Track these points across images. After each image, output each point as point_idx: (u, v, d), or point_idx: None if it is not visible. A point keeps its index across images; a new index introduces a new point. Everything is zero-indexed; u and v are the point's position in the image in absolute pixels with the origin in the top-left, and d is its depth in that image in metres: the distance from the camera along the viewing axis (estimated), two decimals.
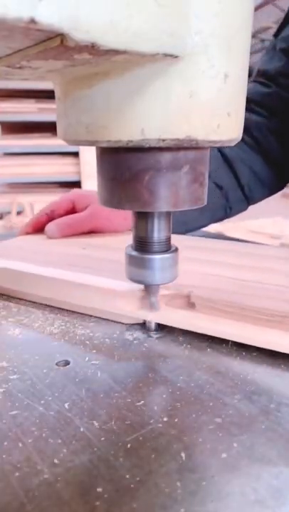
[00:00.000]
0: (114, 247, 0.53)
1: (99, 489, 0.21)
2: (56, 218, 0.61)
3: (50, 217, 0.62)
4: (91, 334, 0.36)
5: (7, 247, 0.54)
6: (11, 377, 0.30)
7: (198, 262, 0.46)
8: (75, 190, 0.66)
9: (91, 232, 0.61)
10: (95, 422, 0.25)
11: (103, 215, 0.61)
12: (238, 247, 0.54)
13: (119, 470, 0.22)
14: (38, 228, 0.62)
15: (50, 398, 0.28)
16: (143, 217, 0.33)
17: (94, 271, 0.42)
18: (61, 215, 0.62)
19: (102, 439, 0.24)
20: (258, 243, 0.59)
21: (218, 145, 0.28)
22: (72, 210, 0.63)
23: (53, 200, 0.64)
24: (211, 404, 0.27)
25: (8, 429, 0.25)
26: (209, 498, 0.20)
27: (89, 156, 2.73)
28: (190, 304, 0.36)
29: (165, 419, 0.26)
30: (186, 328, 0.35)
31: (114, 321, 0.38)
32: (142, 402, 0.27)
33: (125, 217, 0.62)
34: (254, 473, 0.22)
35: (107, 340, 0.35)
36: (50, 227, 0.59)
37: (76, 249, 0.53)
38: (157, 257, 0.33)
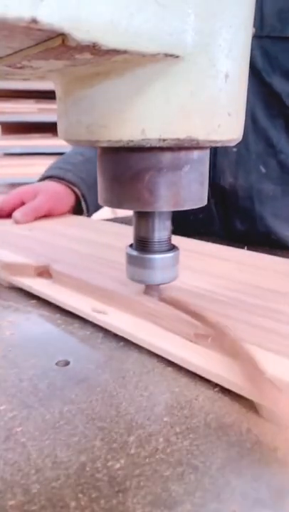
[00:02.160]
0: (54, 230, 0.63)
1: (99, 489, 0.21)
2: (5, 214, 0.69)
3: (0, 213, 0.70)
4: (91, 334, 0.36)
5: None
6: (11, 377, 0.30)
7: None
8: (21, 187, 0.74)
9: (47, 214, 0.70)
10: (95, 422, 0.25)
11: (54, 197, 0.72)
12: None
13: (119, 470, 0.22)
14: None
15: (50, 398, 0.28)
16: (143, 217, 0.33)
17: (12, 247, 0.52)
18: (10, 211, 0.69)
19: (103, 439, 0.24)
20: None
21: (218, 145, 0.28)
22: (21, 204, 0.70)
23: (3, 198, 0.72)
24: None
25: (8, 430, 0.25)
26: (209, 498, 0.20)
27: None
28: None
29: (165, 419, 0.26)
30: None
31: None
32: (142, 402, 0.27)
33: (68, 199, 0.74)
34: (254, 473, 0.22)
35: (107, 340, 0.35)
36: (15, 215, 0.66)
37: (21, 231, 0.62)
38: (158, 256, 0.33)
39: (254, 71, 0.63)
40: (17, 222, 0.66)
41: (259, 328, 0.31)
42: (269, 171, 0.67)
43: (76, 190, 0.75)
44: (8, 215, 0.69)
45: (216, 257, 0.50)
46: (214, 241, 0.57)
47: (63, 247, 0.53)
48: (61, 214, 0.73)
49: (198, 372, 0.29)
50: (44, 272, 0.45)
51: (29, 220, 0.67)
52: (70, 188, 0.75)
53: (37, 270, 0.45)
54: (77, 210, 0.77)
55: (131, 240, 0.35)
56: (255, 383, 0.26)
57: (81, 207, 0.77)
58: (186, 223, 0.71)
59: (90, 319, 0.37)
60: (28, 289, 0.43)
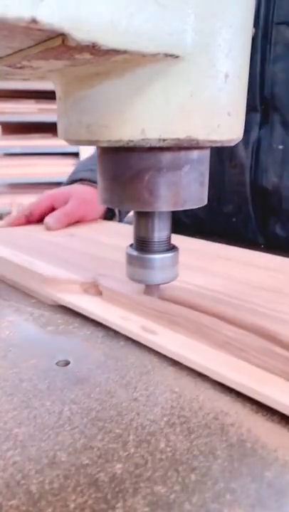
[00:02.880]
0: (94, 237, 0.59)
1: (99, 490, 0.21)
2: (35, 218, 0.66)
3: (28, 219, 0.66)
4: (91, 334, 0.36)
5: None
6: (11, 377, 0.30)
7: None
8: (51, 191, 0.70)
9: (79, 220, 0.66)
10: (95, 422, 0.25)
11: (86, 202, 0.67)
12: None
13: (119, 470, 0.22)
14: None
15: (50, 398, 0.28)
16: (143, 217, 0.33)
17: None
18: (40, 216, 0.65)
19: (103, 439, 0.24)
20: None
21: (218, 145, 0.28)
22: (51, 210, 0.66)
23: (31, 202, 0.68)
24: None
25: (8, 430, 0.25)
26: (210, 498, 0.20)
27: None
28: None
29: (165, 419, 0.26)
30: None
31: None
32: (142, 402, 0.27)
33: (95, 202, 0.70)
34: (255, 473, 0.22)
35: (107, 339, 0.35)
36: (47, 220, 0.62)
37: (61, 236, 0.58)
38: (158, 256, 0.33)
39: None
40: (49, 228, 0.62)
41: None
42: None
43: None
44: (38, 220, 0.66)
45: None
46: (250, 248, 0.53)
47: (108, 259, 0.48)
48: (93, 220, 0.69)
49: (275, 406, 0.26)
50: (90, 288, 0.40)
51: (62, 226, 0.63)
52: None
53: (83, 286, 0.40)
54: (106, 214, 0.73)
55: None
56: None
57: (111, 211, 0.73)
58: (216, 228, 0.67)
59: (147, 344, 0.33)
60: (73, 308, 0.39)
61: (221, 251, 0.53)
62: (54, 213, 0.64)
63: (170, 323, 0.34)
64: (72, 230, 0.63)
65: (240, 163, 0.66)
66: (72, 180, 0.74)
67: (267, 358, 0.28)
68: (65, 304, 0.39)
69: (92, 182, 0.70)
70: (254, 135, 0.64)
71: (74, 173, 0.76)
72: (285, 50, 0.60)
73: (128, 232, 0.57)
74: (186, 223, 0.76)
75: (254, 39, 0.59)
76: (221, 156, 0.67)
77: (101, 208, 0.70)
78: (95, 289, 0.40)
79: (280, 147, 0.62)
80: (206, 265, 0.47)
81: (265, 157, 0.63)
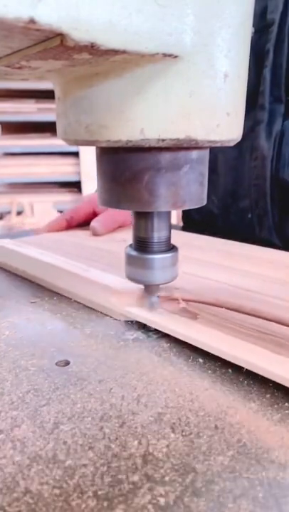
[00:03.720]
0: None
1: (99, 490, 0.21)
2: (75, 223, 0.65)
3: (70, 223, 0.65)
4: (91, 334, 0.36)
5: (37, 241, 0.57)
6: (11, 377, 0.30)
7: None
8: (91, 195, 0.70)
9: (121, 225, 0.65)
10: (95, 422, 0.25)
11: None
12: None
13: (119, 470, 0.22)
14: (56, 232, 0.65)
15: (50, 398, 0.28)
16: (143, 217, 0.33)
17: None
18: (81, 220, 0.66)
19: (103, 439, 0.24)
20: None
21: (217, 145, 0.28)
22: (93, 215, 0.65)
23: (74, 206, 0.68)
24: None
25: (8, 430, 0.25)
26: (210, 498, 0.20)
27: (89, 156, 2.73)
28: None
29: (165, 419, 0.26)
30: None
31: (114, 319, 0.38)
32: (143, 402, 0.27)
33: None
34: (255, 473, 0.22)
35: (107, 339, 0.35)
36: (94, 225, 0.62)
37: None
38: (157, 256, 0.33)
39: None
40: (96, 233, 0.61)
41: None
42: None
43: None
44: (78, 225, 0.65)
45: None
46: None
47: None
48: None
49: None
50: (166, 302, 0.38)
51: (108, 231, 0.62)
52: None
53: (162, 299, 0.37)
54: None
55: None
56: None
57: None
58: (228, 223, 0.65)
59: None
60: (149, 324, 0.36)
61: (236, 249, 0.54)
62: (99, 218, 0.63)
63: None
64: (124, 235, 0.60)
65: (261, 156, 0.63)
66: None
67: None
68: (138, 320, 0.36)
69: None
70: (277, 126, 0.62)
71: None
72: None
73: (189, 242, 0.57)
74: (195, 219, 0.75)
75: (282, 31, 0.58)
76: (240, 148, 0.65)
77: None
78: (171, 302, 0.37)
79: None
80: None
81: (286, 150, 0.61)
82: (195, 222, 0.76)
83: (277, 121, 0.62)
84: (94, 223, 0.62)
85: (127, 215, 0.65)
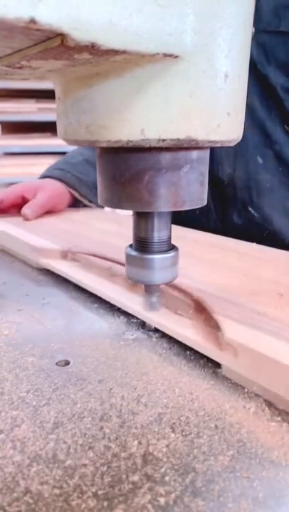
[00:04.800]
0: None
1: (99, 490, 0.21)
2: (5, 206, 0.74)
3: (0, 205, 0.73)
4: (91, 334, 0.36)
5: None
6: (11, 377, 0.30)
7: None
8: (21, 183, 0.78)
9: (50, 211, 0.74)
10: (95, 422, 0.25)
11: (56, 195, 0.77)
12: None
13: (120, 470, 0.22)
14: None
15: (49, 398, 0.28)
16: (143, 217, 0.33)
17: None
18: (10, 205, 0.74)
19: (103, 439, 0.24)
20: None
21: (218, 145, 0.28)
22: (21, 200, 0.74)
23: (4, 190, 0.76)
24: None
25: (8, 430, 0.25)
26: (210, 498, 0.20)
27: None
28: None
29: (165, 419, 0.26)
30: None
31: (114, 319, 0.38)
32: (143, 401, 0.27)
33: (67, 197, 0.80)
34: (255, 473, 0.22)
35: (107, 340, 0.35)
36: (25, 212, 0.70)
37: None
38: (157, 256, 0.33)
39: (250, 63, 0.64)
40: (27, 218, 0.69)
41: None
42: (266, 161, 0.68)
43: (74, 192, 0.79)
44: (8, 208, 0.74)
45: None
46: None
47: (88, 237, 0.58)
48: (60, 211, 0.78)
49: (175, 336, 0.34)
50: (67, 256, 0.50)
51: (37, 216, 0.71)
52: (68, 189, 0.80)
53: (62, 254, 0.51)
54: (72, 205, 0.82)
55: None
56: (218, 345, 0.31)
57: (77, 204, 0.82)
58: (181, 219, 0.71)
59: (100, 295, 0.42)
60: (53, 270, 0.49)
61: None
62: (30, 205, 0.71)
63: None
64: (71, 215, 0.75)
65: None
66: (42, 177, 0.83)
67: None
68: (47, 267, 0.50)
69: (59, 181, 0.79)
70: None
71: (46, 170, 0.86)
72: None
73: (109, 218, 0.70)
74: None
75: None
76: None
77: (67, 201, 0.79)
78: (71, 256, 0.50)
79: None
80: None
81: (219, 150, 0.69)
82: None
83: None
84: (25, 210, 0.70)
85: (55, 202, 0.75)
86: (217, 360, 0.31)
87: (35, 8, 0.17)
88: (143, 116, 0.25)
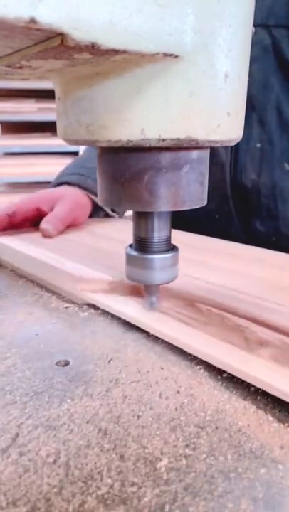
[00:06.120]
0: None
1: (99, 490, 0.21)
2: (18, 220, 0.61)
3: (11, 220, 0.61)
4: (92, 334, 0.36)
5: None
6: (11, 377, 0.30)
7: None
8: (37, 193, 0.66)
9: (71, 224, 0.63)
10: (95, 422, 0.25)
11: (77, 206, 0.65)
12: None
13: (120, 471, 0.22)
14: None
15: (49, 398, 0.28)
16: (143, 217, 0.33)
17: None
18: (23, 217, 0.62)
19: (102, 439, 0.24)
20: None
21: (218, 145, 0.28)
22: (36, 212, 0.62)
23: (15, 202, 0.63)
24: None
25: (8, 430, 0.25)
26: (210, 498, 0.20)
27: None
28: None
29: (165, 419, 0.26)
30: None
31: (113, 318, 0.38)
32: (143, 402, 0.27)
33: (89, 207, 0.69)
34: (254, 473, 0.22)
35: (107, 340, 0.35)
36: (46, 227, 0.58)
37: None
38: (157, 256, 0.33)
39: (282, 62, 0.62)
40: (48, 235, 0.58)
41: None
42: None
43: (96, 200, 0.65)
44: (20, 223, 0.62)
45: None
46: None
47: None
48: (81, 223, 0.67)
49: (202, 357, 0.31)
50: (119, 288, 0.41)
51: (59, 233, 0.59)
52: (90, 196, 0.69)
53: (112, 285, 0.41)
54: (91, 216, 0.72)
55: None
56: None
57: (95, 213, 0.71)
58: (200, 225, 0.68)
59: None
60: (102, 306, 0.40)
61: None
62: (50, 219, 0.60)
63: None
64: (95, 228, 0.64)
65: (220, 162, 0.67)
66: (58, 183, 0.72)
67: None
68: (94, 303, 0.41)
69: (80, 187, 0.69)
70: None
71: (61, 176, 0.74)
72: (261, 51, 0.61)
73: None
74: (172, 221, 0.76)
75: None
76: None
77: (88, 211, 0.69)
78: (123, 288, 0.40)
79: (258, 145, 0.64)
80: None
81: (244, 155, 0.65)
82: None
83: None
84: (44, 224, 0.58)
85: (77, 214, 0.65)
86: (246, 380, 0.28)
87: (35, 8, 0.17)
88: (143, 116, 0.25)
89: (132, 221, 0.34)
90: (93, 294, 0.41)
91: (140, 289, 0.39)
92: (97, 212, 0.71)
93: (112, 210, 0.72)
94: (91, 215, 0.70)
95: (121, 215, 0.75)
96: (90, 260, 0.47)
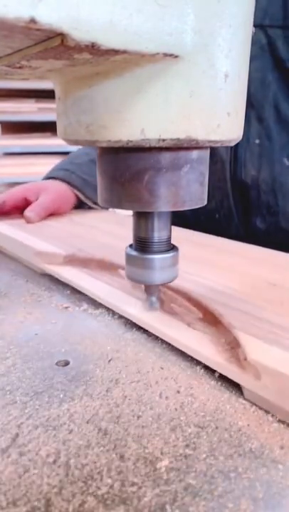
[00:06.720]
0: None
1: (99, 490, 0.21)
2: (7, 208, 0.71)
3: (2, 207, 0.71)
4: (92, 334, 0.36)
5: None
6: (11, 377, 0.30)
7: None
8: (24, 185, 0.75)
9: (53, 213, 0.71)
10: (94, 422, 0.25)
11: (60, 197, 0.74)
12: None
13: (120, 470, 0.22)
14: None
15: (49, 398, 0.28)
16: (143, 217, 0.33)
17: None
18: (12, 206, 0.71)
19: (102, 439, 0.24)
20: None
21: (218, 145, 0.28)
22: (23, 201, 0.72)
23: (6, 192, 0.73)
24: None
25: (8, 430, 0.25)
26: (210, 498, 0.20)
27: None
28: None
29: (165, 419, 0.26)
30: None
31: (113, 319, 0.38)
32: (142, 402, 0.27)
33: (72, 199, 0.76)
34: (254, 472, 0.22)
35: (107, 340, 0.35)
36: (28, 214, 0.67)
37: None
38: (157, 257, 0.33)
39: (277, 61, 0.63)
40: (30, 221, 0.67)
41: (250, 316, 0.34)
42: None
43: (79, 194, 0.76)
44: (10, 210, 0.71)
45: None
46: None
47: (94, 240, 0.57)
48: (64, 213, 0.75)
49: (189, 352, 0.32)
50: (72, 261, 0.49)
51: (41, 219, 0.68)
52: (73, 190, 0.76)
53: (66, 259, 0.49)
54: (77, 207, 0.80)
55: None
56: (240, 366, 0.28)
57: (81, 206, 0.78)
58: (200, 223, 0.69)
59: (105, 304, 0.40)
60: (56, 276, 0.47)
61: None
62: (33, 207, 0.68)
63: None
64: (76, 217, 0.72)
65: (220, 159, 0.68)
66: (47, 177, 0.80)
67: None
68: (51, 273, 0.49)
69: (64, 180, 0.76)
70: None
71: (51, 171, 0.82)
72: (259, 51, 0.63)
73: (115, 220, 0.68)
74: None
75: None
76: None
77: (71, 202, 0.76)
78: (75, 261, 0.49)
79: (257, 141, 0.65)
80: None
81: (243, 152, 0.66)
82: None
83: None
84: (28, 212, 0.67)
85: (59, 204, 0.73)
86: (239, 382, 0.28)
87: (35, 8, 0.17)
88: (143, 116, 0.25)
89: (132, 221, 0.34)
90: (49, 265, 0.49)
91: (91, 261, 0.48)
92: (82, 206, 0.78)
93: (94, 203, 0.78)
94: (76, 208, 0.78)
95: (103, 207, 0.79)
96: (61, 242, 0.54)
